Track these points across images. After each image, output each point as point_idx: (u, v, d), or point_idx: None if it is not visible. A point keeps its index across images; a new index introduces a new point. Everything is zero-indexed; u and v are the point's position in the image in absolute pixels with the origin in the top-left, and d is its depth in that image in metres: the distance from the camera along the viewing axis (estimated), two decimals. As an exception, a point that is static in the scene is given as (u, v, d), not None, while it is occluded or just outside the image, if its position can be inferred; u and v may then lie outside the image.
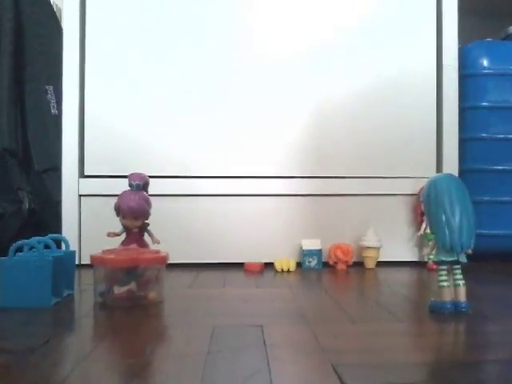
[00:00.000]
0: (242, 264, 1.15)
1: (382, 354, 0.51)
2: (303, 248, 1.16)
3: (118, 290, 0.76)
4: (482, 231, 1.24)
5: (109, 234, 0.86)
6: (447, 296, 0.70)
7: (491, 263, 1.21)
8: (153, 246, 0.88)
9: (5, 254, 0.74)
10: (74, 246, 1.06)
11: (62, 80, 1.21)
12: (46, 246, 0.80)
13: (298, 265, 1.16)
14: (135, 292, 0.76)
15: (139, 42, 1.21)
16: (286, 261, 1.12)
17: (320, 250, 1.16)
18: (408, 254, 1.24)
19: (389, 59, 1.25)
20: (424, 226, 1.18)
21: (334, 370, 0.46)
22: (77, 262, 0.92)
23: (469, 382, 0.44)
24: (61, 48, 1.21)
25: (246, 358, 0.50)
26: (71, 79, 1.21)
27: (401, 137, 1.25)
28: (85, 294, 0.84)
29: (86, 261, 1.05)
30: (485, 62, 1.29)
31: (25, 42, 1.34)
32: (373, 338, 0.57)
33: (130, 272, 0.76)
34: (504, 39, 1.42)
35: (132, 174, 0.88)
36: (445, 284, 0.70)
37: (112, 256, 0.75)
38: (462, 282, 0.70)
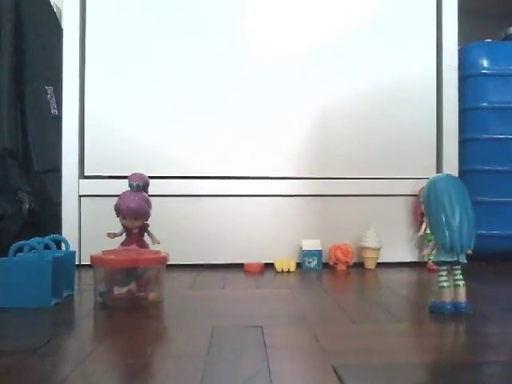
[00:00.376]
0: (242, 264, 1.15)
1: (383, 354, 0.51)
2: (303, 248, 1.16)
3: (118, 291, 0.76)
4: (482, 231, 1.24)
5: (109, 235, 0.86)
6: (447, 297, 0.70)
7: (492, 263, 1.20)
8: (153, 247, 0.88)
9: (5, 255, 0.74)
10: (74, 247, 1.06)
11: (62, 81, 1.21)
12: (46, 247, 0.79)
13: (298, 265, 1.16)
14: (135, 292, 0.76)
15: (139, 42, 1.21)
16: (286, 261, 1.12)
17: (320, 251, 1.16)
18: (408, 254, 1.24)
19: (389, 60, 1.25)
20: (424, 226, 1.17)
21: (335, 370, 0.46)
22: (77, 263, 0.92)
23: None
24: (61, 48, 1.21)
25: (246, 358, 0.50)
26: (71, 80, 1.21)
27: (401, 137, 1.25)
28: (85, 294, 0.84)
29: (86, 261, 1.05)
30: (485, 63, 1.29)
31: (25, 43, 1.34)
32: (373, 339, 0.57)
33: (130, 272, 0.76)
34: (504, 40, 1.42)
35: (132, 174, 0.89)
36: (445, 285, 0.70)
37: (112, 256, 0.75)
38: (462, 283, 0.70)
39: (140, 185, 0.87)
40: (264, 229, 1.21)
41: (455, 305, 0.69)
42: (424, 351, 0.53)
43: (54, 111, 1.37)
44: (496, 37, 1.42)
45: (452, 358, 0.51)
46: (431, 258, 0.79)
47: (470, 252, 0.70)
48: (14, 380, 0.44)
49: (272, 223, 1.22)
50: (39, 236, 0.81)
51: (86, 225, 1.19)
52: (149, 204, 0.87)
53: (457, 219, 0.67)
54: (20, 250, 0.77)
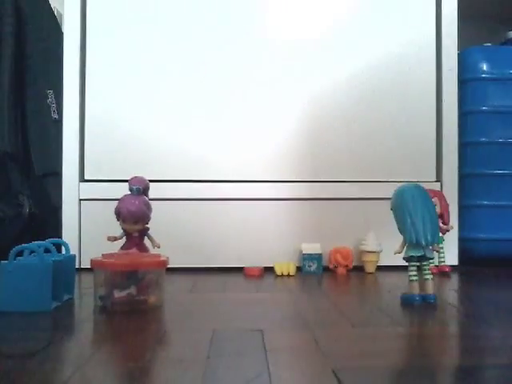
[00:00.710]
0: (241, 268, 1.15)
1: (383, 358, 0.51)
2: (303, 252, 1.16)
3: (118, 294, 0.75)
4: (482, 236, 1.24)
5: (109, 238, 0.86)
6: (416, 289, 0.80)
7: (491, 267, 1.20)
8: (153, 250, 0.88)
9: (5, 258, 0.74)
10: (74, 250, 1.06)
11: (63, 84, 1.21)
12: (46, 250, 0.79)
13: (298, 269, 1.16)
14: (135, 296, 0.76)
15: (140, 47, 1.22)
16: (286, 265, 1.12)
17: (320, 255, 1.16)
18: (408, 258, 1.24)
19: (389, 63, 1.25)
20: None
21: (335, 374, 0.46)
22: (77, 266, 0.92)
23: (469, 387, 0.44)
24: (61, 52, 1.21)
25: (246, 362, 0.50)
26: (72, 84, 1.21)
27: (401, 141, 1.25)
28: (85, 297, 0.84)
29: (86, 265, 1.05)
30: (484, 67, 1.29)
31: (25, 47, 1.34)
32: (373, 343, 0.57)
33: (130, 276, 0.76)
34: (503, 44, 1.42)
35: (132, 178, 0.89)
36: (414, 278, 0.80)
37: (112, 260, 0.75)
38: (430, 277, 0.80)
39: (140, 188, 0.87)
40: (264, 232, 1.21)
41: (423, 296, 0.79)
42: (424, 355, 0.53)
43: (55, 115, 1.37)
44: (496, 41, 1.42)
45: (452, 362, 0.51)
46: (400, 254, 0.83)
47: (437, 248, 0.81)
48: (13, 384, 0.44)
49: (272, 227, 1.22)
50: (39, 239, 0.81)
51: (86, 228, 1.19)
52: (149, 208, 0.87)
53: (419, 217, 0.77)
54: (20, 253, 0.76)
